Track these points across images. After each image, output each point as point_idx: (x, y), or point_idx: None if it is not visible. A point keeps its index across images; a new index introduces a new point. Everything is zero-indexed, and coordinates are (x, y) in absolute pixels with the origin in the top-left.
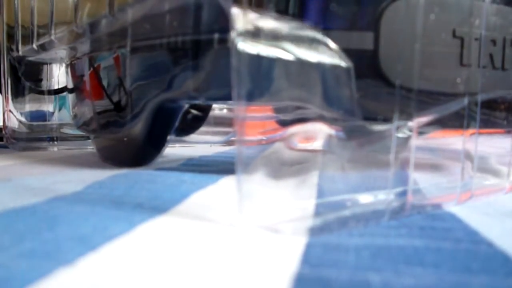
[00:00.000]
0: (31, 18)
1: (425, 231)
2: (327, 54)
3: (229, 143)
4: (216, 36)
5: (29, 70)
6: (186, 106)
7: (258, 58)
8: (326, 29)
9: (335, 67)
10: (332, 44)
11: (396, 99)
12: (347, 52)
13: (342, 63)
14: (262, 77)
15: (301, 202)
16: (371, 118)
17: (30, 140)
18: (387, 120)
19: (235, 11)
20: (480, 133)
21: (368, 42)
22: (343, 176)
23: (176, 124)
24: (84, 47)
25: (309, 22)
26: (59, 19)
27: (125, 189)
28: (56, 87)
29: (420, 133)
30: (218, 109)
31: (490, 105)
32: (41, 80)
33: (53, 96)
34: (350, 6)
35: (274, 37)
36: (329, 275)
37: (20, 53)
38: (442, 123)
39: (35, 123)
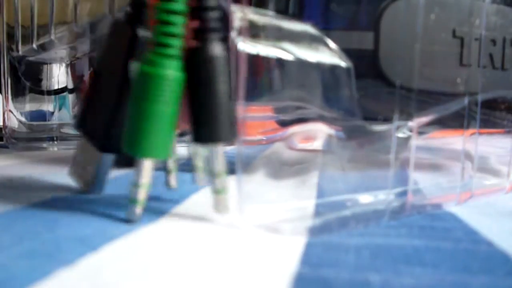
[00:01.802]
0: (31, 18)
1: (425, 231)
2: (327, 54)
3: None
4: None
5: (29, 70)
6: None
7: (258, 58)
8: (326, 29)
9: (335, 67)
10: (332, 44)
11: (396, 99)
12: (347, 52)
13: (342, 63)
14: (262, 77)
15: (301, 202)
16: (371, 118)
17: (30, 140)
18: (387, 120)
19: (235, 11)
20: (480, 133)
21: (368, 42)
22: (343, 176)
23: None
24: (84, 46)
25: (309, 22)
26: (59, 19)
27: (125, 189)
28: (56, 87)
29: (420, 133)
30: None
31: (490, 105)
32: (41, 80)
33: (53, 96)
34: (350, 6)
35: (274, 37)
36: (329, 275)
37: (20, 53)
38: (442, 123)
39: (35, 123)
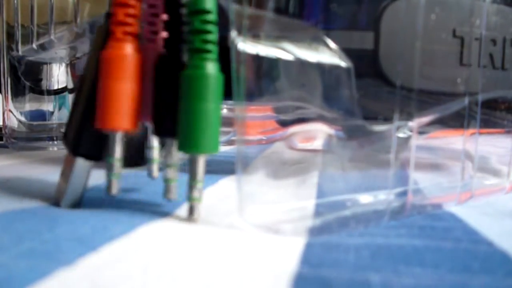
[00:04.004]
0: (31, 18)
1: (425, 231)
2: (327, 54)
3: (229, 143)
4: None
5: (29, 69)
6: None
7: (258, 58)
8: (326, 29)
9: (335, 67)
10: (332, 44)
11: (397, 98)
12: (347, 52)
13: (342, 63)
14: (262, 77)
15: (301, 202)
16: (372, 118)
17: (30, 139)
18: (387, 120)
19: (236, 11)
20: (480, 133)
21: (368, 42)
22: (343, 176)
23: None
24: (84, 46)
25: (309, 22)
26: (59, 19)
27: (124, 190)
28: (56, 87)
29: (421, 133)
30: None
31: (490, 105)
32: (41, 79)
33: (53, 96)
34: (350, 5)
35: (274, 37)
36: (329, 275)
37: (20, 52)
38: (442, 123)
39: (35, 123)
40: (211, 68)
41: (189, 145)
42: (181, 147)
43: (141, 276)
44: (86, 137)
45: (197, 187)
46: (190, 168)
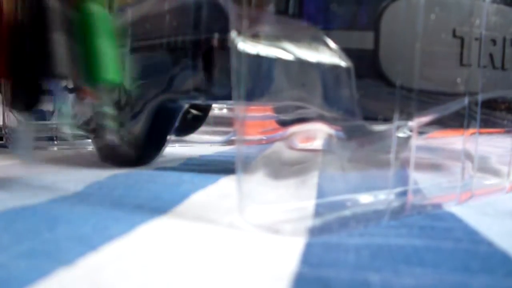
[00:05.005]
0: None
1: (425, 231)
2: (327, 54)
3: (229, 143)
4: (216, 36)
5: None
6: (186, 106)
7: (258, 58)
8: (326, 29)
9: (335, 67)
10: (332, 44)
11: (396, 99)
12: (347, 52)
13: (342, 63)
14: (262, 77)
15: (301, 202)
16: (371, 118)
17: None
18: (387, 120)
19: (235, 11)
20: (480, 133)
21: (368, 42)
22: (343, 176)
23: (176, 124)
24: None
25: (309, 22)
26: None
27: (125, 189)
28: None
29: (420, 133)
30: (218, 109)
31: (490, 104)
32: None
33: (53, 96)
34: (350, 5)
35: (274, 37)
36: (329, 275)
37: None
38: (442, 123)
39: (34, 123)
40: (95, 8)
41: (92, 77)
42: (87, 81)
43: (141, 276)
44: (20, 94)
45: (108, 114)
46: (98, 98)
